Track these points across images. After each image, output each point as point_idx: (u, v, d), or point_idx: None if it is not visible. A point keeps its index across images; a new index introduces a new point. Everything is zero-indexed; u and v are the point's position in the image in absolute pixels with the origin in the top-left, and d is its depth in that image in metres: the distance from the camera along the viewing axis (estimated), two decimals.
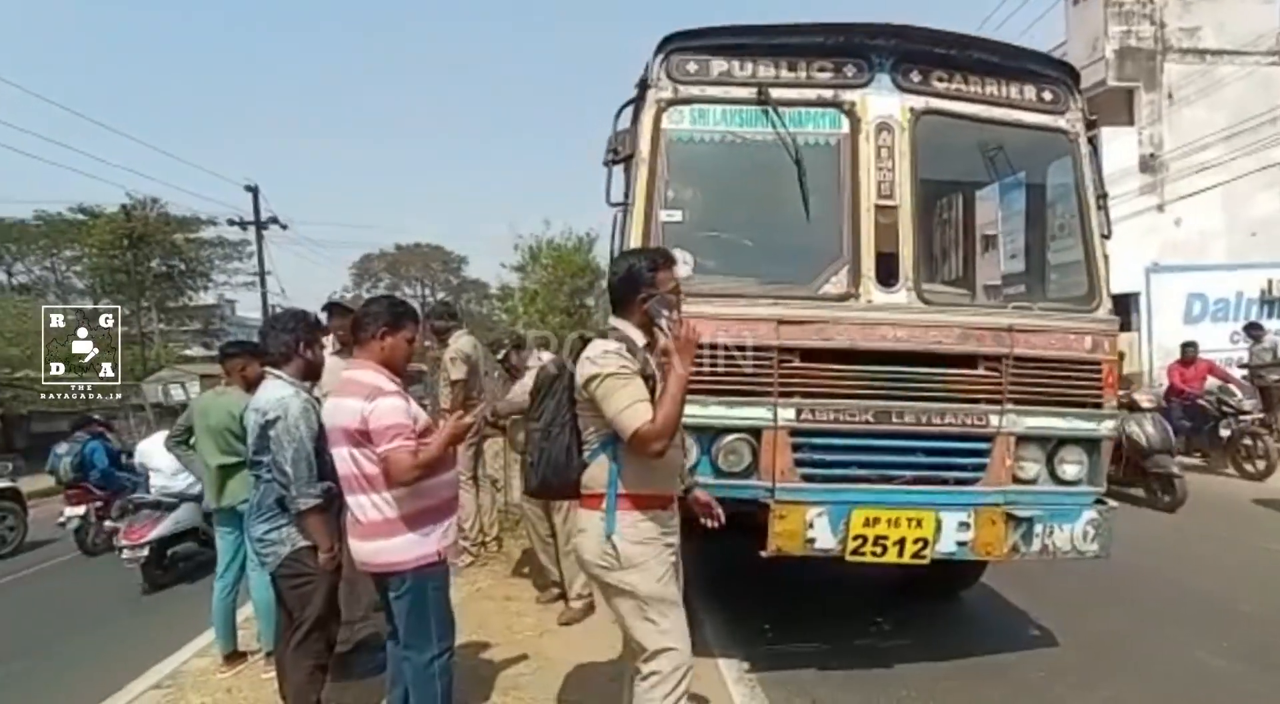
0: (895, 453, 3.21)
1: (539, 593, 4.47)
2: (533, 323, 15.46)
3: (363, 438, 2.42)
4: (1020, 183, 4.12)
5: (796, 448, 3.18)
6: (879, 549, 3.14)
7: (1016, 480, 3.26)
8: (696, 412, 3.15)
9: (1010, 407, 3.21)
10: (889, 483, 3.20)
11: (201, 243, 30.17)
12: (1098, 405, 3.30)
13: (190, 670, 3.72)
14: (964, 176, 4.00)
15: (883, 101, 3.39)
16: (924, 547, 3.14)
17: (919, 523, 3.14)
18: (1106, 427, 3.32)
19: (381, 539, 2.47)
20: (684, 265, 3.46)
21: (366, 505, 2.48)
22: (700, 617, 4.41)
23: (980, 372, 3.24)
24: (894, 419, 3.17)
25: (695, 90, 3.42)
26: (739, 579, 5.24)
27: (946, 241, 4.22)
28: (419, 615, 2.51)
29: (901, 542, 3.14)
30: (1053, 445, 3.31)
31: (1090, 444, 3.32)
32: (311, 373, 2.89)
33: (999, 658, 3.70)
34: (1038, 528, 3.24)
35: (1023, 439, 3.26)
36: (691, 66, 3.43)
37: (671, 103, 3.42)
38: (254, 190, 21.23)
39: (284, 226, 22.16)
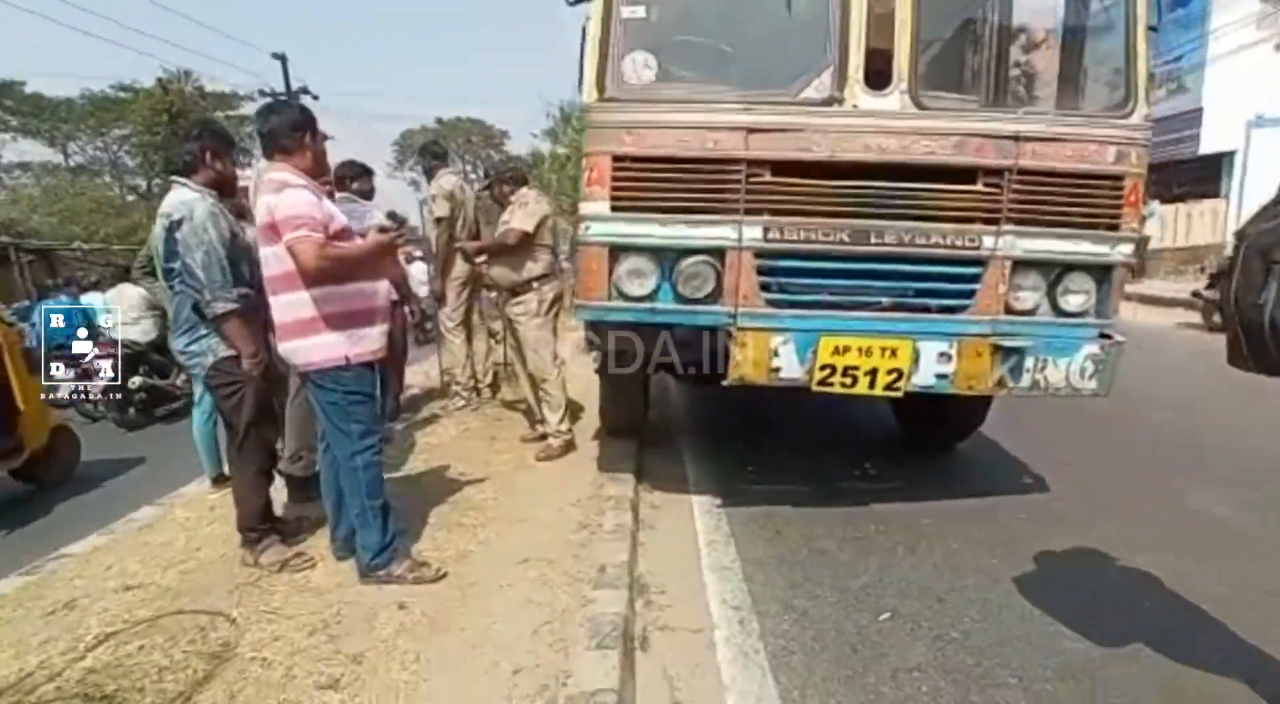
0: (873, 277, 2.91)
1: (525, 433, 4.47)
2: (564, 190, 15.07)
3: (273, 232, 2.37)
4: None
5: (762, 270, 2.92)
6: (849, 380, 2.93)
7: (1010, 311, 2.95)
8: (655, 232, 2.92)
9: (1009, 228, 2.85)
10: (864, 310, 2.93)
11: (240, 119, 30.02)
12: (1114, 227, 2.90)
13: (187, 493, 3.88)
14: None
15: None
16: (898, 378, 2.92)
17: (893, 353, 2.89)
18: (1122, 251, 2.93)
19: (298, 339, 2.46)
20: (647, 69, 3.11)
21: (284, 305, 2.46)
22: (681, 453, 4.39)
23: (979, 187, 2.86)
24: (872, 239, 2.85)
25: None
26: (729, 419, 5.20)
27: (967, 39, 3.67)
28: (338, 413, 2.52)
29: (874, 372, 2.91)
30: (1057, 273, 2.96)
31: (1101, 271, 2.96)
32: (221, 184, 2.76)
33: (985, 502, 3.54)
34: (1029, 361, 2.96)
35: (1021, 264, 2.92)
36: None
37: None
38: (282, 59, 20.67)
39: (315, 97, 21.69)
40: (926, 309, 2.95)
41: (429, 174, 5.01)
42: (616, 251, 2.99)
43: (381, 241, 2.59)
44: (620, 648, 2.10)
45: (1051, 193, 2.85)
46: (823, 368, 2.91)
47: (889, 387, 2.93)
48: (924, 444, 4.43)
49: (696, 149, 2.87)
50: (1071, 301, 2.98)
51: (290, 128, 2.48)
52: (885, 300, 2.93)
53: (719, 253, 2.92)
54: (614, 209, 2.94)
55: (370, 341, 2.54)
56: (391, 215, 2.83)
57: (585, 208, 3.00)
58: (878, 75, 2.87)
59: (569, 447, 4.15)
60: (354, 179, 4.36)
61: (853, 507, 3.51)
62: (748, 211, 2.87)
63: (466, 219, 4.83)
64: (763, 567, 2.92)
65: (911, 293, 2.94)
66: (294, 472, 3.42)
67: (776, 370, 2.95)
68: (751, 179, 2.86)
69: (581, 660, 2.05)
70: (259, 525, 2.78)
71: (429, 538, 2.97)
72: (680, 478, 4.00)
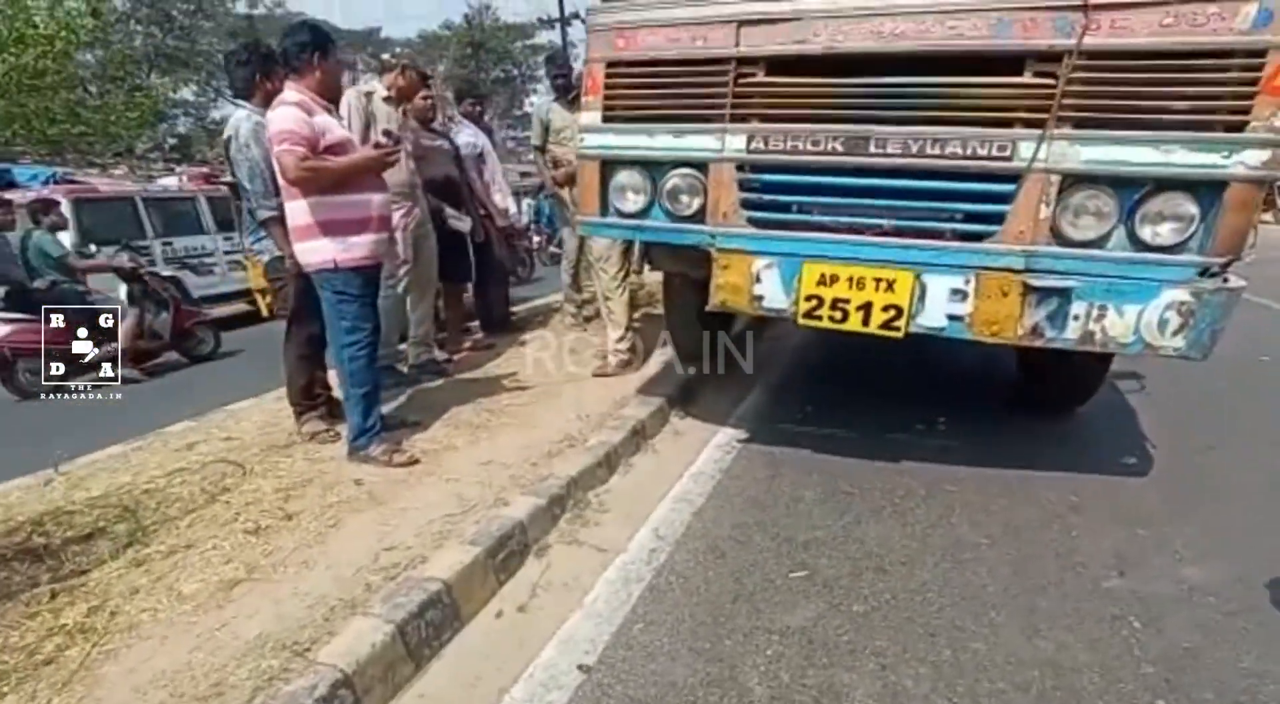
0: (871, 194, 2.48)
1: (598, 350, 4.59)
2: None
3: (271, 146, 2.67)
4: None
5: (745, 185, 2.63)
6: (838, 314, 2.57)
7: (1062, 239, 2.32)
8: (642, 143, 2.77)
9: (1064, 131, 2.21)
10: (860, 233, 2.51)
11: (535, 48, 32.52)
12: (1237, 125, 2.10)
13: None
14: None
15: None
16: (896, 317, 2.49)
17: (890, 286, 2.47)
18: (1248, 160, 2.10)
19: (300, 242, 2.81)
20: None
21: (289, 212, 2.80)
22: (753, 386, 4.19)
23: (1027, 79, 2.24)
24: (872, 148, 2.41)
25: None
26: (831, 355, 4.81)
27: None
28: (331, 310, 2.86)
29: (867, 307, 2.52)
30: (1144, 192, 2.24)
31: (1209, 189, 2.17)
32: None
33: (1047, 479, 2.90)
34: (1077, 307, 2.33)
35: (1084, 180, 2.26)
36: None
37: None
38: None
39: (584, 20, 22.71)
40: (939, 234, 2.44)
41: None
42: (609, 165, 2.89)
43: (371, 156, 2.81)
44: (486, 547, 2.20)
45: (1135, 80, 2.14)
46: (808, 298, 2.59)
47: (886, 325, 2.52)
48: (1037, 404, 3.70)
49: (686, 48, 2.63)
50: (1158, 231, 2.24)
51: (298, 49, 2.75)
52: (886, 222, 2.48)
53: (703, 166, 2.69)
54: (605, 119, 2.84)
55: (359, 249, 2.80)
56: (387, 133, 3.03)
57: (582, 118, 2.93)
58: None
59: (626, 366, 4.18)
60: (460, 101, 4.65)
61: (885, 461, 3.11)
62: (734, 118, 2.59)
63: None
64: (727, 504, 2.77)
65: (919, 214, 2.44)
66: None
67: (759, 298, 2.69)
68: (741, 80, 2.56)
69: (444, 551, 2.19)
70: (302, 400, 3.29)
71: (435, 429, 3.28)
72: (727, 410, 3.85)
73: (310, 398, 3.32)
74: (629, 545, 2.48)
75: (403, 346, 4.16)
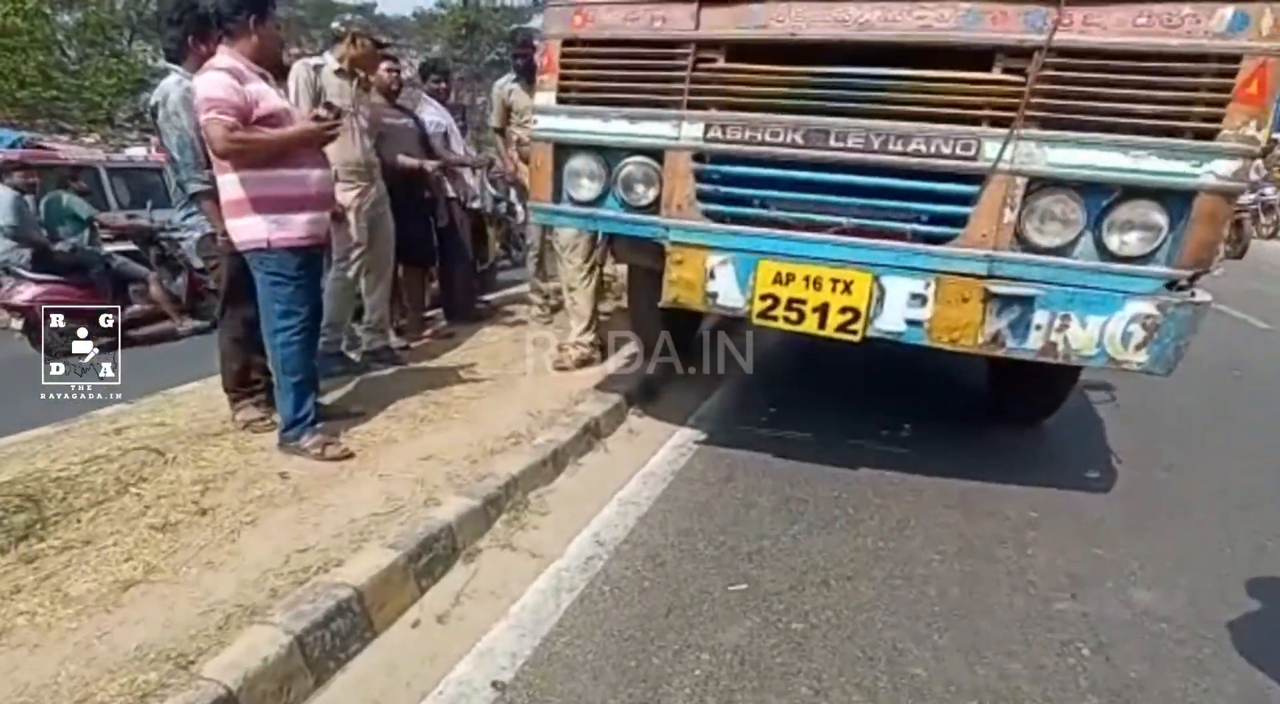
0: (831, 190, 2.36)
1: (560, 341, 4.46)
2: None
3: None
4: None
5: (701, 176, 2.50)
6: (794, 315, 2.46)
7: (1027, 245, 2.21)
8: (596, 127, 2.64)
9: (1031, 131, 2.10)
10: (818, 231, 2.40)
11: (530, 33, 32.06)
12: (1209, 134, 2.00)
13: None
14: None
15: None
16: (853, 319, 2.38)
17: (847, 287, 2.35)
18: (1218, 170, 2.00)
19: (232, 219, 2.65)
20: None
21: (223, 186, 2.63)
22: (719, 384, 4.07)
23: (996, 75, 2.13)
24: (832, 142, 2.29)
25: None
26: (804, 356, 4.70)
27: None
28: (265, 293, 2.68)
29: (823, 308, 2.41)
30: (1112, 198, 2.14)
31: (1178, 198, 2.07)
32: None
33: (1009, 492, 2.83)
34: (1040, 316, 2.23)
35: (1051, 184, 2.15)
36: None
37: None
38: None
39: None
40: (899, 235, 2.32)
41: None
42: (563, 149, 2.75)
43: (309, 129, 2.65)
44: (408, 551, 2.07)
45: (1103, 82, 2.04)
46: (763, 298, 2.47)
47: (843, 328, 2.41)
48: (1004, 413, 3.62)
49: (644, 29, 2.49)
50: (1126, 240, 2.15)
51: (233, 10, 2.57)
52: (845, 221, 2.36)
53: (659, 154, 2.55)
54: (560, 101, 2.69)
55: (295, 228, 2.64)
56: (328, 105, 2.84)
57: (537, 98, 2.79)
58: None
59: (587, 362, 4.05)
60: (425, 78, 4.48)
61: (845, 468, 3.01)
62: (692, 105, 2.46)
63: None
64: (674, 509, 2.65)
65: (879, 213, 2.33)
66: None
67: (713, 295, 2.57)
68: (701, 65, 2.43)
69: (361, 554, 2.05)
70: (237, 387, 3.12)
71: (377, 421, 3.13)
72: (688, 409, 3.74)
73: (245, 384, 3.15)
74: (566, 551, 2.36)
75: (359, 330, 4.00)
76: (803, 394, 3.98)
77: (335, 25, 3.70)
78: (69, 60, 14.73)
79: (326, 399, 3.28)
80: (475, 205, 5.32)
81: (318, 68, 3.47)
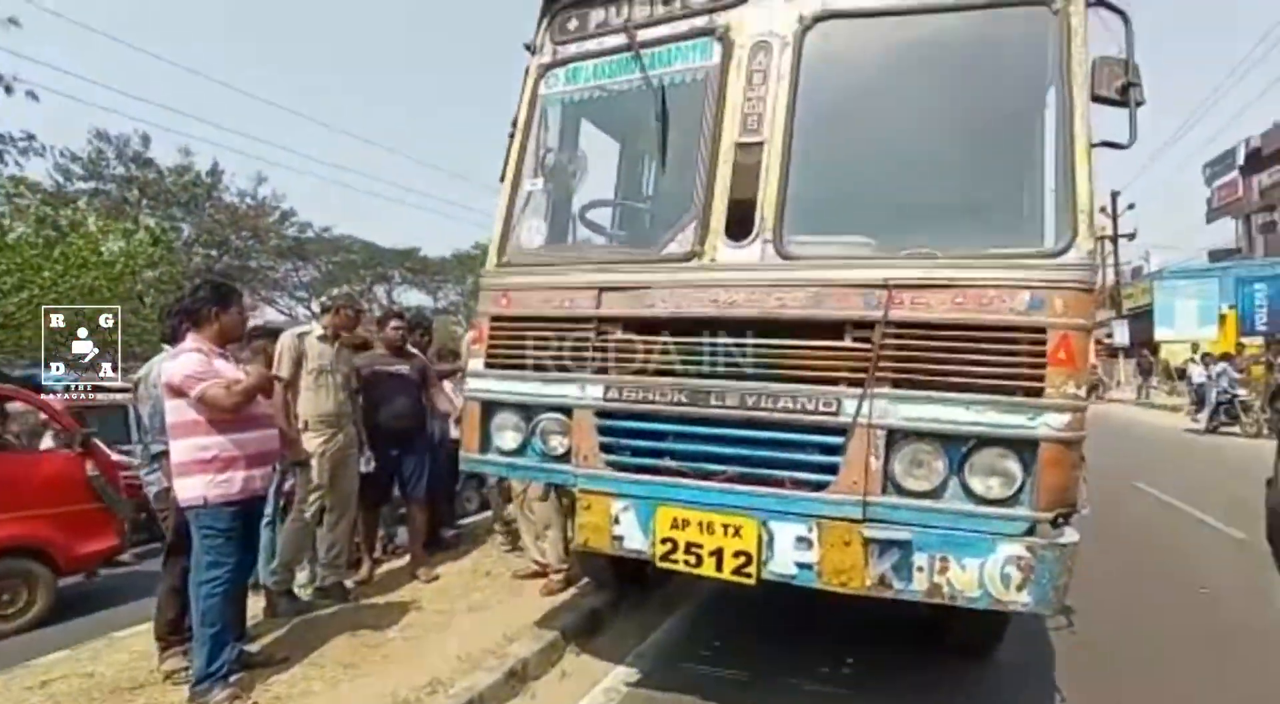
0: (715, 442, 2.58)
1: (518, 568, 4.50)
2: None
3: (169, 390, 2.84)
4: (973, 84, 2.93)
5: (604, 430, 2.75)
6: (692, 558, 2.56)
7: (900, 490, 2.38)
8: (517, 388, 2.95)
9: (883, 390, 2.36)
10: (707, 479, 2.58)
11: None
12: (1035, 391, 2.25)
13: None
14: (892, 88, 2.95)
15: (762, 15, 2.81)
16: (747, 563, 2.48)
17: (737, 531, 2.49)
18: (1051, 422, 2.22)
19: (178, 478, 2.88)
20: (538, 235, 3.26)
21: (174, 449, 2.89)
22: (666, 617, 4.01)
23: (846, 343, 2.45)
24: (713, 401, 2.56)
25: (574, 48, 3.21)
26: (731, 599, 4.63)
27: (867, 173, 3.13)
28: (199, 544, 2.84)
29: (719, 552, 2.52)
30: (968, 447, 2.34)
31: (1027, 447, 2.27)
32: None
33: None
34: (919, 558, 2.32)
35: (911, 435, 2.37)
36: (573, 23, 3.23)
37: (549, 67, 3.24)
38: None
39: None
40: (779, 483, 2.50)
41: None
42: (490, 406, 3.05)
43: (262, 373, 2.99)
44: None
45: (939, 349, 2.33)
46: (663, 541, 2.60)
47: (738, 571, 2.50)
48: (949, 642, 3.51)
49: (557, 309, 2.90)
50: (989, 484, 2.31)
51: (199, 304, 2.98)
52: (730, 469, 2.55)
53: (569, 410, 2.84)
54: (487, 365, 3.04)
55: (230, 485, 2.85)
56: (276, 377, 3.26)
57: (470, 364, 3.15)
58: (741, 225, 2.68)
59: (570, 582, 4.08)
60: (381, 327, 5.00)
61: None
62: (597, 370, 2.79)
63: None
64: None
65: (760, 463, 2.53)
66: (268, 584, 3.83)
67: (619, 539, 2.70)
68: (602, 336, 2.79)
69: None
70: (169, 635, 3.14)
71: (299, 669, 3.10)
72: (631, 644, 3.66)
73: (177, 632, 3.18)
74: None
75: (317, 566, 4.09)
76: (751, 623, 3.89)
77: (324, 300, 4.31)
78: (145, 307, 16.14)
79: (256, 645, 3.29)
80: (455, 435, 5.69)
81: (302, 335, 3.97)
